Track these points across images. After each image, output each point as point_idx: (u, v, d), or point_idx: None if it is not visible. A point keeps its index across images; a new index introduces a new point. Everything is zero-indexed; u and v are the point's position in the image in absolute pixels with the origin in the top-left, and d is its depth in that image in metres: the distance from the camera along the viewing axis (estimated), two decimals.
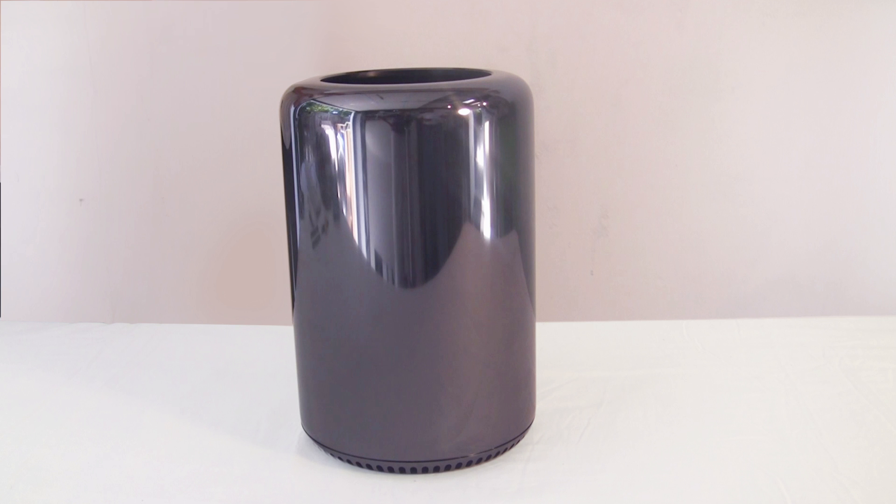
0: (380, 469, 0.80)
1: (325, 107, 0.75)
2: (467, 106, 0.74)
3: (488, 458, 0.82)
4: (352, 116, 0.73)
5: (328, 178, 0.75)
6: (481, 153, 0.75)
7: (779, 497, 0.76)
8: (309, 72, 1.14)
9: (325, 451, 0.83)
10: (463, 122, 0.74)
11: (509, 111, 0.77)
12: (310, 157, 0.76)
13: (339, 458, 0.82)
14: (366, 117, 0.73)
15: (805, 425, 0.88)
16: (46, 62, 1.22)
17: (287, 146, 0.79)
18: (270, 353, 1.05)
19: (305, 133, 0.76)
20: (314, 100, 0.76)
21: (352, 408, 0.80)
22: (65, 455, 0.85)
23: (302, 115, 0.76)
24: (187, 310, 1.29)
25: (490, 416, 0.81)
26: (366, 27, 1.18)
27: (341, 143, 0.74)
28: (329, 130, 0.74)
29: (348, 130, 0.73)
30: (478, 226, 0.76)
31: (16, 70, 1.23)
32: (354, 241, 0.75)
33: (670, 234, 1.22)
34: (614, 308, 1.20)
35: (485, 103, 0.75)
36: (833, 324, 1.13)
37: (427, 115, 0.72)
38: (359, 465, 0.81)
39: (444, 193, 0.74)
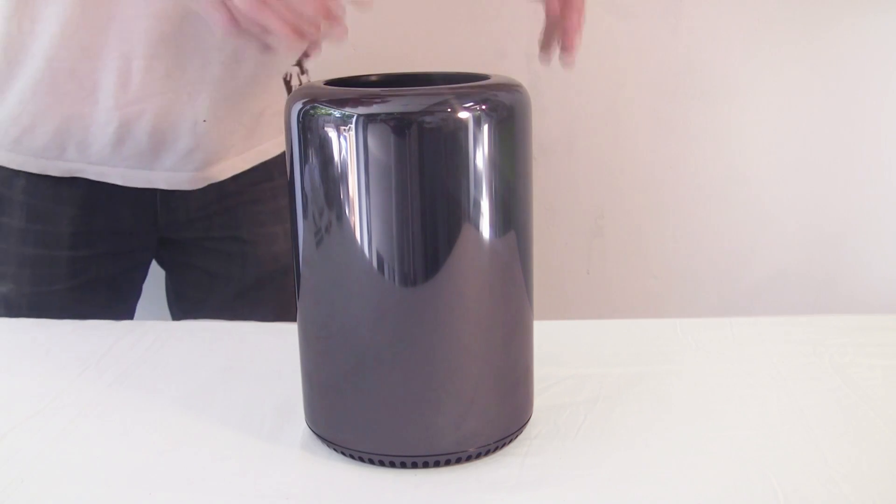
0: (381, 464, 0.81)
1: (328, 110, 0.75)
2: (467, 109, 0.75)
3: (487, 453, 0.83)
4: (354, 119, 0.74)
5: (331, 179, 0.76)
6: (480, 155, 0.76)
7: (770, 490, 0.77)
8: (310, 75, 1.15)
9: (328, 446, 0.84)
10: (463, 125, 0.74)
11: (508, 114, 0.78)
12: (312, 159, 0.77)
13: (342, 453, 0.83)
14: (368, 120, 0.74)
15: (796, 421, 0.89)
16: None
17: (290, 148, 0.79)
18: (275, 349, 1.05)
19: (308, 136, 0.77)
20: (317, 103, 0.76)
21: (354, 404, 0.81)
22: (74, 450, 0.85)
23: (304, 118, 0.77)
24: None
25: (489, 411, 0.82)
26: (367, 32, 1.19)
27: (343, 146, 0.74)
28: (331, 133, 0.75)
29: (350, 133, 0.74)
30: (477, 226, 0.77)
31: None
32: (357, 241, 0.76)
33: (665, 235, 1.23)
34: (610, 307, 1.22)
35: (484, 107, 0.75)
36: (824, 321, 1.13)
37: (427, 119, 0.73)
38: (361, 459, 0.82)
39: (444, 194, 0.75)
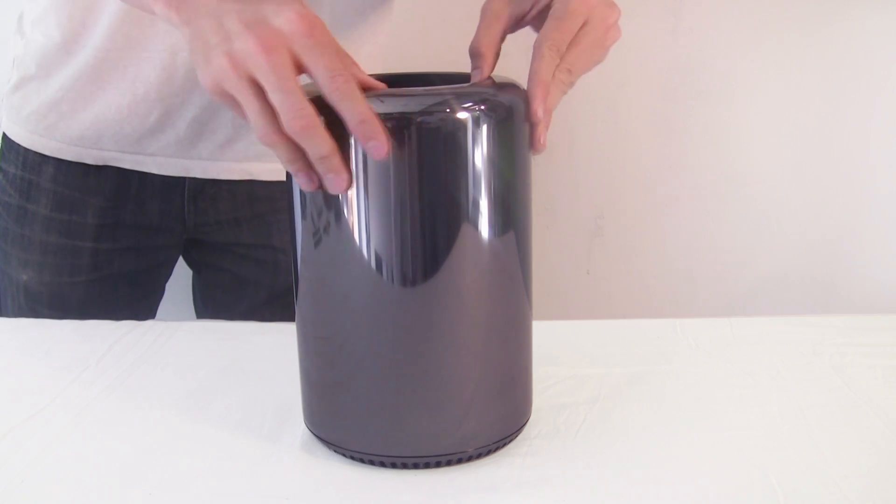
0: (381, 464, 0.81)
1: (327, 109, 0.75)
2: (466, 109, 0.74)
3: (487, 454, 0.83)
4: None
5: None
6: (480, 156, 0.76)
7: (770, 490, 0.77)
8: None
9: (327, 446, 0.84)
10: (462, 125, 0.74)
11: (507, 115, 0.78)
12: None
13: (342, 454, 0.83)
14: None
15: (796, 420, 0.89)
16: None
17: None
18: (275, 349, 1.05)
19: None
20: (315, 103, 0.76)
21: (353, 404, 0.81)
22: (74, 450, 0.86)
23: None
24: (193, 308, 1.30)
25: (489, 412, 0.82)
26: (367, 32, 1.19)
27: (342, 146, 0.74)
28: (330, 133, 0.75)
29: (349, 133, 0.74)
30: (476, 226, 0.77)
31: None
32: (356, 241, 0.76)
33: (665, 235, 1.23)
34: (610, 306, 1.22)
35: (483, 107, 0.75)
36: (824, 322, 1.14)
37: (426, 119, 0.73)
38: (361, 460, 0.82)
39: (443, 195, 0.75)
